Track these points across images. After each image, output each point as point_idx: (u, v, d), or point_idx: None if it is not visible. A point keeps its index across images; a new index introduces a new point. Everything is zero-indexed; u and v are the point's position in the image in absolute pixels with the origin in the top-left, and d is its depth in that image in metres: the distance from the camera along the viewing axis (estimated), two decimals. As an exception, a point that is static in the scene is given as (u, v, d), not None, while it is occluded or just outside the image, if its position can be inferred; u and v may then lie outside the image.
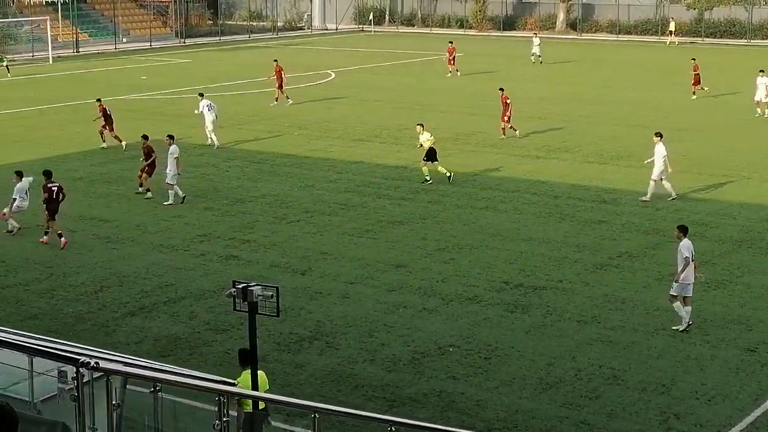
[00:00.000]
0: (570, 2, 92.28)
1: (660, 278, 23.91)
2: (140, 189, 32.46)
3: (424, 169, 33.86)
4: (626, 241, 27.35)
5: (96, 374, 8.95)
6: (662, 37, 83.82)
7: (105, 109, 39.59)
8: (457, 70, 61.45)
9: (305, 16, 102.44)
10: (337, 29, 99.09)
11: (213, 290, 23.15)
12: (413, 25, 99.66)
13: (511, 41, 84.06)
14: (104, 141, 39.56)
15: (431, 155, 33.88)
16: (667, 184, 31.22)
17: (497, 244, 27.07)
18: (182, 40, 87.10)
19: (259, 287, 13.75)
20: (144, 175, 32.35)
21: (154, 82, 58.87)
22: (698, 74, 51.86)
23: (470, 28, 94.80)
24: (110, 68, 67.20)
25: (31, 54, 75.44)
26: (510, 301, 22.67)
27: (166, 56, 75.94)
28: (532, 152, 38.77)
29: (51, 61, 71.53)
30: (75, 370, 8.67)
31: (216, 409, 9.14)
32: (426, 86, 57.65)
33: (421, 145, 34.40)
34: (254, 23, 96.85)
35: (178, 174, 31.25)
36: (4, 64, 64.97)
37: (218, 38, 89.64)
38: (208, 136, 39.76)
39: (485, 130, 42.26)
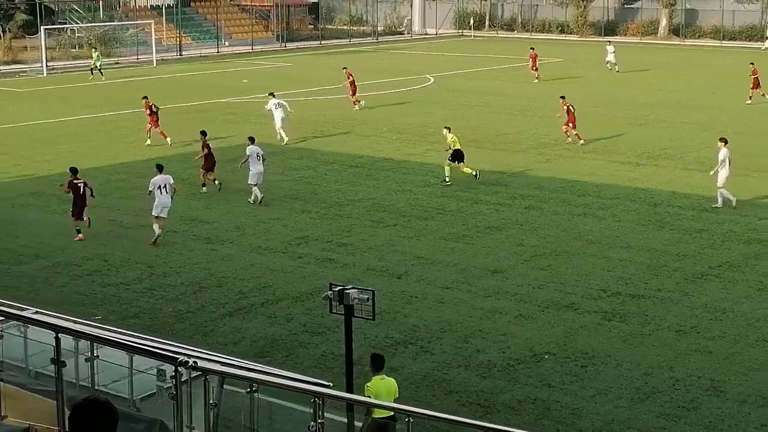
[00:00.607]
0: (673, 8, 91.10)
1: (761, 288, 23.48)
2: (203, 189, 33.48)
3: (447, 169, 34.41)
4: (727, 250, 26.90)
5: (194, 373, 9.08)
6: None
7: (151, 106, 40.97)
8: (538, 76, 61.17)
9: (405, 21, 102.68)
10: (436, 34, 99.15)
11: (310, 292, 23.31)
12: (513, 30, 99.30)
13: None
14: (149, 138, 41.18)
15: (458, 156, 34.59)
16: (723, 191, 30.92)
17: (595, 251, 26.81)
18: (283, 44, 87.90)
19: (356, 290, 13.84)
20: (203, 171, 33.50)
21: (255, 86, 59.47)
22: (757, 78, 52.12)
23: (571, 33, 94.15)
24: (212, 71, 68.11)
25: (135, 57, 76.79)
26: (607, 309, 22.44)
27: (267, 60, 76.70)
28: (632, 159, 38.33)
29: (155, 64, 72.72)
30: (174, 368, 8.80)
31: (311, 410, 9.21)
32: (523, 91, 57.36)
33: (450, 148, 34.84)
34: (354, 28, 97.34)
35: (260, 174, 31.88)
36: (98, 65, 66.13)
37: (319, 42, 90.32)
38: (278, 132, 41.35)
39: (584, 137, 41.91)
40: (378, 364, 15.31)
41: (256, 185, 31.85)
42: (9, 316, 10.10)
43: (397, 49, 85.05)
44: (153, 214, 27.70)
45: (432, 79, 62.22)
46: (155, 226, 27.66)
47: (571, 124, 41.00)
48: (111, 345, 8.75)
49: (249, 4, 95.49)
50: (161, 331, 20.10)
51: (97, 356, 10.62)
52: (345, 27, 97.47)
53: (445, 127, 35.84)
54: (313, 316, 21.77)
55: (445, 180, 34.37)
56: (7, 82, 63.15)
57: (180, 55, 79.86)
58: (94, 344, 9.86)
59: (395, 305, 22.57)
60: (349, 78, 51.04)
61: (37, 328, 9.86)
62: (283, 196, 32.56)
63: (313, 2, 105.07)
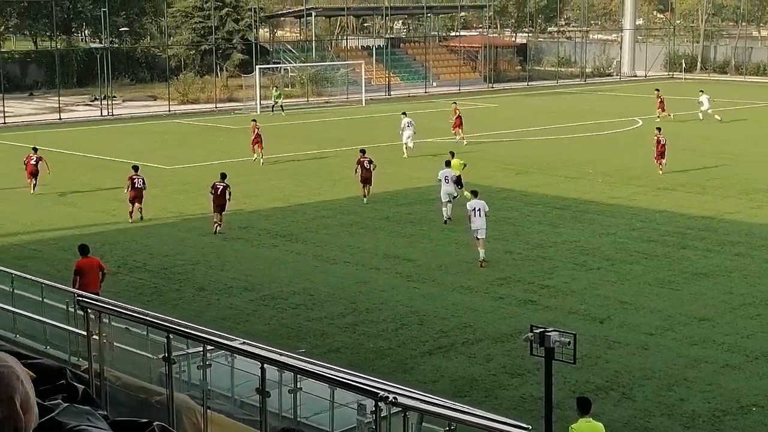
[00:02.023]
0: None
1: None
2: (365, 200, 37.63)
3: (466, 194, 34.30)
4: None
5: (394, 409, 9.15)
6: None
7: (258, 128, 46.91)
8: (669, 114, 60.13)
9: (614, 63, 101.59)
10: (646, 76, 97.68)
11: (510, 333, 23.20)
12: (726, 73, 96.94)
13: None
14: (255, 154, 46.38)
15: (458, 182, 36.42)
16: None
17: (809, 302, 25.80)
18: (490, 84, 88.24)
19: (557, 333, 13.71)
20: (367, 186, 37.99)
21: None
22: None
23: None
24: (420, 111, 68.78)
25: (345, 96, 78.43)
26: (820, 362, 21.55)
27: (474, 100, 77.09)
28: None
29: (364, 104, 74.06)
30: (374, 403, 8.89)
31: (508, 452, 9.14)
32: (730, 136, 55.81)
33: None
34: (562, 69, 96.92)
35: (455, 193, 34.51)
36: (279, 102, 68.01)
37: (526, 83, 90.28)
38: (404, 149, 46.72)
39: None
40: (584, 407, 15.18)
41: (448, 202, 34.52)
42: (218, 346, 10.41)
43: (605, 91, 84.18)
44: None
45: (640, 122, 61.28)
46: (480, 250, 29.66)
47: (658, 156, 43.58)
48: (314, 378, 8.91)
49: (458, 45, 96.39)
50: (362, 366, 20.31)
51: (300, 388, 10.85)
52: (553, 68, 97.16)
53: (451, 152, 39.34)
54: (513, 358, 21.65)
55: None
56: (222, 120, 65.43)
57: (389, 94, 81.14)
58: (298, 376, 10.08)
59: (597, 350, 22.23)
60: (455, 113, 53.48)
61: (243, 358, 10.13)
62: (487, 236, 32.55)
63: (521, 44, 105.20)
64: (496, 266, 29.27)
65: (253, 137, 46.93)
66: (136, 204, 35.13)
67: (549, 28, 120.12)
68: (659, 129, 44.96)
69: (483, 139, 53.92)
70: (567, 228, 34.04)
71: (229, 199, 33.63)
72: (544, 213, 36.34)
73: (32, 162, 40.50)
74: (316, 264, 29.70)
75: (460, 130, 52.56)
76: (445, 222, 34.32)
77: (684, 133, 56.58)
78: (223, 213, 33.56)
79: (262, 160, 46.23)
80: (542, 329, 14.00)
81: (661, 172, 43.10)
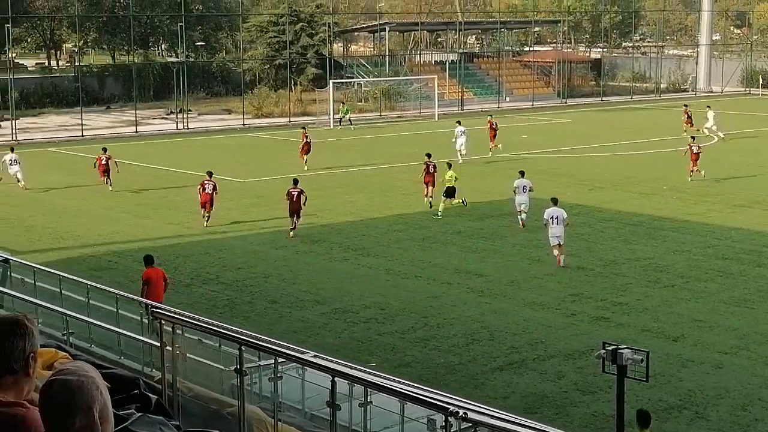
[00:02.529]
0: None
1: None
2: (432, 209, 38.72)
3: (441, 205, 37.75)
4: None
5: (464, 425, 9.13)
6: None
7: (307, 136, 50.41)
8: (698, 129, 60.15)
9: (690, 78, 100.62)
10: (722, 92, 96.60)
11: (582, 350, 23.03)
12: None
13: None
14: (306, 165, 48.71)
15: (449, 193, 38.12)
16: None
17: None
18: (564, 100, 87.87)
19: (630, 351, 13.60)
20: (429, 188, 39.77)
21: (534, 141, 59.65)
22: None
23: None
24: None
25: (418, 111, 78.54)
26: None
27: (547, 115, 76.79)
28: None
29: (437, 118, 74.11)
30: (444, 418, 8.89)
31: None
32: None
33: (445, 183, 38.47)
34: (637, 84, 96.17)
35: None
36: (347, 116, 68.39)
37: (600, 99, 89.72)
38: (458, 154, 49.27)
39: None
40: (644, 421, 15.04)
41: (520, 212, 35.89)
42: (289, 359, 10.47)
43: (680, 107, 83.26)
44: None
45: (715, 138, 60.56)
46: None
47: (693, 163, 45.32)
48: (384, 391, 8.92)
49: (531, 60, 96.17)
50: (432, 381, 20.30)
51: (371, 402, 10.86)
52: (627, 84, 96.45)
53: (447, 163, 40.19)
54: (585, 375, 21.50)
55: (437, 215, 37.66)
56: (297, 133, 65.76)
57: (461, 109, 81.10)
58: (368, 390, 10.10)
59: (670, 368, 21.99)
60: (491, 125, 54.89)
61: (314, 371, 10.18)
62: (564, 242, 32.38)
63: (595, 59, 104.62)
64: (568, 282, 29.10)
65: (302, 144, 50.17)
66: (207, 209, 36.76)
67: (624, 44, 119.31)
68: (693, 138, 47.71)
69: (556, 155, 53.68)
70: (640, 244, 33.73)
71: (304, 204, 34.96)
72: (617, 229, 36.05)
73: (102, 161, 44.37)
74: (387, 278, 29.75)
75: (491, 143, 54.12)
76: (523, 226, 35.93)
77: (761, 149, 55.85)
78: (299, 218, 34.93)
79: (306, 167, 48.44)
80: (615, 346, 13.89)
81: (690, 178, 45.02)
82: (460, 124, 53.56)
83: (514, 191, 36.33)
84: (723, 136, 60.74)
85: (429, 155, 41.38)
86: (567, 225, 31.40)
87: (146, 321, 19.07)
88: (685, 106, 64.38)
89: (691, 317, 25.81)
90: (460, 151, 51.20)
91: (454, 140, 52.25)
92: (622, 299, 27.44)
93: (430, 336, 24.49)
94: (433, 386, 16.74)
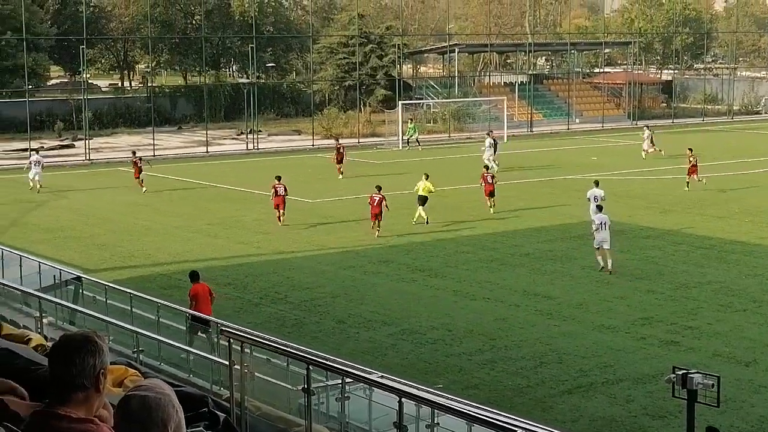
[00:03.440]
0: None
1: None
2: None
3: (422, 211, 40.43)
4: None
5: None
6: None
7: (342, 147, 55.23)
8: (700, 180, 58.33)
9: (763, 101, 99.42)
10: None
11: (652, 375, 22.77)
12: None
13: None
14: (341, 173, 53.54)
15: (422, 201, 40.71)
16: None
17: None
18: (634, 121, 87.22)
19: (700, 375, 13.43)
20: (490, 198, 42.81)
21: (603, 163, 59.27)
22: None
23: None
24: (561, 148, 68.50)
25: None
26: None
27: (617, 137, 76.28)
28: None
29: (506, 140, 73.92)
30: (511, 441, 8.83)
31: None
32: None
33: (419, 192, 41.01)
34: (709, 107, 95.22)
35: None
36: (415, 136, 68.47)
37: (671, 121, 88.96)
38: (489, 163, 51.15)
39: None
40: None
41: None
42: (356, 379, 10.50)
43: (753, 129, 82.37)
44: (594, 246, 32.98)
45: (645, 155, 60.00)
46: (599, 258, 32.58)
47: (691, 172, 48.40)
48: (452, 413, 8.90)
49: (601, 82, 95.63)
50: (500, 403, 20.19)
51: (438, 423, 10.83)
52: (699, 106, 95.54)
53: (425, 174, 42.37)
54: (655, 399, 21.25)
55: (426, 222, 40.13)
56: (365, 154, 66.07)
57: (530, 131, 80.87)
58: (436, 411, 10.08)
59: (742, 394, 21.67)
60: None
61: (381, 391, 10.19)
62: (628, 275, 32.14)
63: (666, 80, 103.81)
64: (638, 306, 28.82)
65: (335, 156, 54.99)
66: (281, 209, 40.37)
67: (695, 65, 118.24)
68: (691, 150, 50.32)
69: (627, 176, 53.29)
70: (712, 268, 33.33)
71: (387, 207, 38.29)
72: (688, 252, 35.66)
73: (138, 164, 50.78)
74: (455, 299, 29.68)
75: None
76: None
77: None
78: (380, 221, 38.18)
79: (341, 176, 53.58)
80: (685, 371, 13.73)
81: (687, 188, 48.15)
82: (489, 135, 58.50)
83: (588, 200, 37.57)
84: (644, 156, 62.00)
85: (487, 167, 46.52)
86: (604, 200, 36.23)
87: (215, 339, 19.22)
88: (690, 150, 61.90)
89: (763, 342, 25.42)
90: (490, 161, 54.25)
91: (482, 149, 57.04)
92: (692, 323, 27.11)
93: (498, 358, 24.38)
94: (501, 409, 16.69)
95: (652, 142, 61.76)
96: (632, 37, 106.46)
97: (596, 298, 29.68)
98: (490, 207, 42.74)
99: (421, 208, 40.63)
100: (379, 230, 38.05)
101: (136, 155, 52.50)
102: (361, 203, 41.57)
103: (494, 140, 58.21)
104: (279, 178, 41.38)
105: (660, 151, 61.03)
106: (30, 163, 51.39)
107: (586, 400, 21.56)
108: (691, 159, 49.31)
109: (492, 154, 55.84)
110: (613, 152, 66.27)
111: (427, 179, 41.72)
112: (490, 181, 43.10)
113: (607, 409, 21.04)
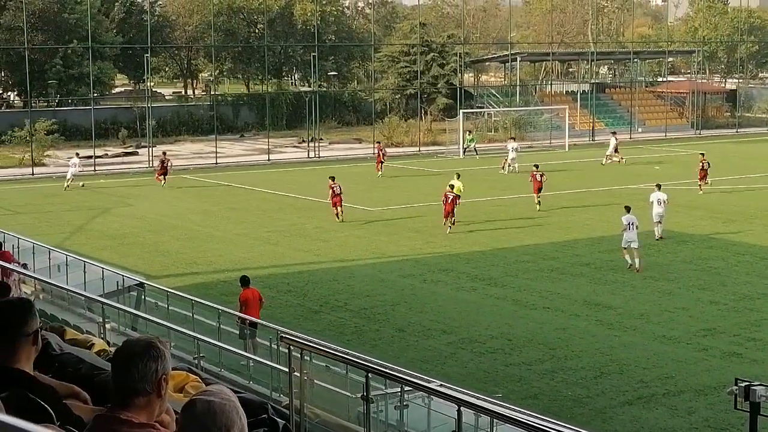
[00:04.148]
0: None
1: None
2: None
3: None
4: None
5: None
6: None
7: (382, 148, 60.29)
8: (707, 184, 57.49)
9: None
10: None
11: (714, 386, 22.55)
12: None
13: None
14: (380, 171, 58.45)
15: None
16: None
17: None
18: (697, 131, 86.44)
19: (763, 388, 13.29)
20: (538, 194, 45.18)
21: (666, 173, 58.76)
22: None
23: None
24: (625, 157, 67.93)
25: (548, 141, 78.11)
26: None
27: (680, 147, 75.61)
28: None
29: (567, 149, 73.59)
30: (571, 451, 8.81)
31: None
32: None
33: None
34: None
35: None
36: (473, 145, 68.57)
37: (735, 130, 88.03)
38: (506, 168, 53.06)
39: None
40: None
41: (658, 222, 38.19)
42: (415, 387, 10.51)
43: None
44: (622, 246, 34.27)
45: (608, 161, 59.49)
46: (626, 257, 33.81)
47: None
48: (511, 423, 8.88)
49: (665, 91, 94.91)
50: (559, 414, 20.11)
51: (496, 433, 10.81)
52: (764, 115, 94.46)
53: (456, 173, 45.23)
54: (716, 411, 21.03)
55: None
56: (426, 163, 66.13)
57: (593, 140, 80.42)
58: (494, 421, 10.07)
59: (806, 407, 21.36)
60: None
61: (440, 400, 10.19)
62: (690, 286, 31.85)
63: (730, 90, 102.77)
64: (700, 317, 28.55)
65: (377, 156, 60.09)
66: (338, 207, 43.03)
67: (761, 74, 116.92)
68: (703, 154, 52.93)
69: (691, 186, 52.81)
70: (776, 279, 32.92)
71: (457, 203, 40.64)
72: (752, 263, 35.26)
73: (165, 164, 54.92)
74: (514, 309, 29.59)
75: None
76: (659, 239, 37.86)
77: None
78: (452, 218, 40.12)
79: (380, 173, 58.31)
80: (748, 383, 13.61)
81: (701, 192, 50.07)
82: (514, 140, 63.13)
83: (654, 202, 38.69)
84: (604, 162, 63.65)
85: (536, 165, 47.77)
86: (666, 203, 38.56)
87: (275, 347, 19.32)
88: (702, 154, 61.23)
89: (828, 355, 25.06)
90: (508, 164, 59.22)
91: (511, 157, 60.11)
92: (756, 335, 26.79)
93: (558, 368, 24.26)
94: (560, 419, 16.62)
95: (616, 150, 62.75)
96: (696, 46, 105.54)
97: (657, 309, 29.44)
98: (537, 203, 45.18)
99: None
100: (451, 227, 39.96)
101: (165, 155, 56.98)
102: (419, 211, 41.66)
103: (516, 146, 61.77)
104: (333, 178, 43.88)
105: (621, 159, 62.19)
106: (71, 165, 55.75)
107: (646, 412, 21.39)
108: (703, 163, 51.23)
109: (514, 157, 59.98)
110: (676, 162, 65.66)
111: (458, 179, 43.61)
112: (540, 179, 45.32)
113: (668, 421, 20.86)
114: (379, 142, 63.98)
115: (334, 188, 43.27)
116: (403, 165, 65.10)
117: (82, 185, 54.83)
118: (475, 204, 47.33)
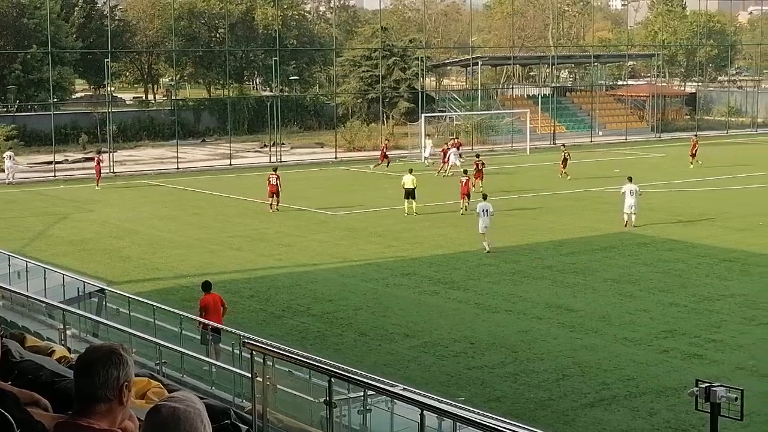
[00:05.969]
0: None
1: None
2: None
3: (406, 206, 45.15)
4: None
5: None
6: None
7: (386, 149, 63.73)
8: (696, 161, 63.06)
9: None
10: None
11: (675, 388, 22.69)
12: None
13: None
14: (382, 163, 61.99)
15: (411, 194, 45.41)
16: None
17: None
18: (657, 134, 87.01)
19: (723, 389, 13.38)
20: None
21: (626, 175, 59.02)
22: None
23: None
24: (584, 160, 68.32)
25: (510, 144, 78.36)
26: None
27: (640, 150, 76.11)
28: None
29: (528, 152, 73.87)
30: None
31: None
32: None
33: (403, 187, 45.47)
34: (732, 119, 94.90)
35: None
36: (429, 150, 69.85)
37: (695, 133, 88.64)
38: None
39: None
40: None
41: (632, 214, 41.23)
42: (378, 391, 10.53)
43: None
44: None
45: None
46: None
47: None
48: (474, 426, 8.91)
49: (625, 94, 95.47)
50: (522, 416, 20.18)
51: (459, 436, 10.83)
52: (723, 118, 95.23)
53: (408, 168, 48.47)
54: (678, 413, 21.17)
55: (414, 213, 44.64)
56: (387, 167, 66.07)
57: (554, 143, 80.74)
58: (457, 424, 10.10)
59: (766, 407, 21.56)
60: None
61: (403, 404, 10.22)
62: (651, 288, 32.06)
63: (690, 93, 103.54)
64: (661, 319, 28.74)
65: (381, 153, 63.30)
66: (274, 198, 46.01)
67: (719, 77, 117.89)
68: (696, 135, 57.30)
69: (650, 189, 53.13)
70: (735, 281, 33.19)
71: (473, 186, 46.91)
72: (711, 265, 35.53)
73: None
74: (477, 312, 29.66)
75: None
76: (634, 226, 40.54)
77: None
78: (470, 199, 44.28)
79: (386, 169, 60.49)
80: (708, 384, 13.69)
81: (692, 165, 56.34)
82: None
83: (626, 192, 41.58)
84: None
85: (478, 155, 54.74)
86: (640, 195, 41.54)
87: (237, 352, 19.28)
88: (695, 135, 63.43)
89: (787, 356, 25.30)
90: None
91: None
92: (716, 336, 27.00)
93: (520, 371, 24.35)
94: (523, 422, 16.69)
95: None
96: (656, 50, 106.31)
97: (619, 311, 29.61)
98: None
99: (407, 201, 45.35)
100: (467, 206, 44.14)
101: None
102: (381, 216, 41.67)
103: (458, 147, 64.46)
104: (275, 169, 48.10)
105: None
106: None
107: (608, 414, 21.51)
108: (694, 140, 57.32)
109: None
110: (635, 165, 66.01)
111: (411, 173, 46.40)
112: (480, 168, 51.33)
113: (630, 423, 20.98)
114: (387, 140, 69.37)
115: (271, 178, 46.65)
116: (364, 169, 65.13)
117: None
118: (438, 207, 47.41)
